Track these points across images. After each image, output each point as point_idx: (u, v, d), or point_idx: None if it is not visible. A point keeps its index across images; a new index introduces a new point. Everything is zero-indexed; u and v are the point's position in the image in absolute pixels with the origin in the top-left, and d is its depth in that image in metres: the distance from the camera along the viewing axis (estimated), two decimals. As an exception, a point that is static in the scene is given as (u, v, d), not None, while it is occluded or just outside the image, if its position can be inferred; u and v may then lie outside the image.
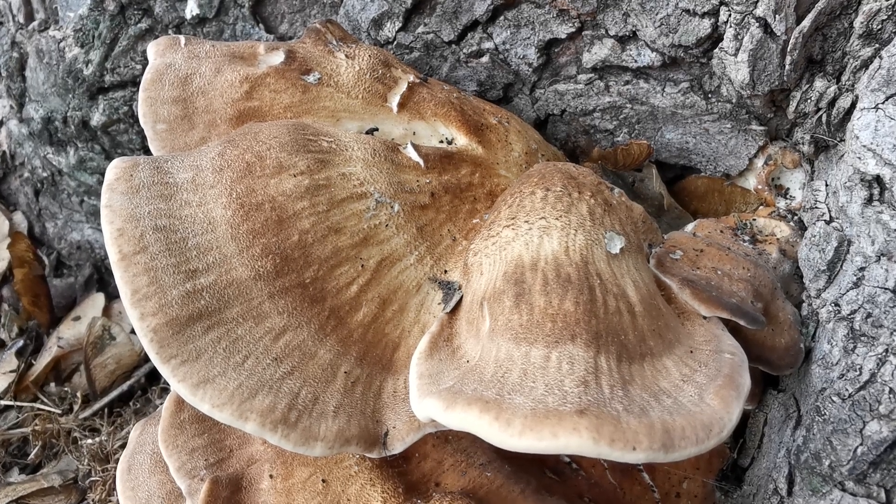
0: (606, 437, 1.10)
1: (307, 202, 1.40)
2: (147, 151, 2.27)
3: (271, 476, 1.49)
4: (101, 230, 2.67)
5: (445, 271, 1.50)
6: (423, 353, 1.37)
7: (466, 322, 1.40)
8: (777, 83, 1.55)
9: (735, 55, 1.54)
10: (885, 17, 1.42)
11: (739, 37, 1.52)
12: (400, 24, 1.89)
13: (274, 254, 1.36)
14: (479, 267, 1.43)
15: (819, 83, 1.52)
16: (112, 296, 2.77)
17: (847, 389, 1.37)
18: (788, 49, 1.49)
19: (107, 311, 2.68)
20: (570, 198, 1.43)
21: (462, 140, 1.68)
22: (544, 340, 1.24)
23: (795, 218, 1.71)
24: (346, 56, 1.66)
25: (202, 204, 1.38)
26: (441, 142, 1.69)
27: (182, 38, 1.65)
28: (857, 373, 1.37)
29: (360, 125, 1.63)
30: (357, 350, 1.40)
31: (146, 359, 2.63)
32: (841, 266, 1.47)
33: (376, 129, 1.64)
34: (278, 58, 1.62)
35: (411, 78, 1.69)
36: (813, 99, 1.54)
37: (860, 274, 1.41)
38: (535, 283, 1.31)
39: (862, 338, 1.38)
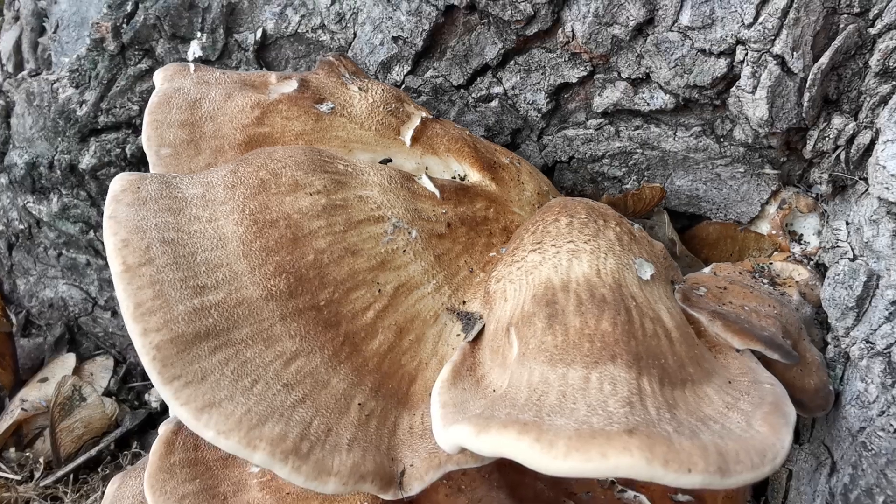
0: (660, 457, 1.01)
1: (324, 221, 1.33)
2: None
3: (270, 525, 1.35)
4: (77, 286, 2.55)
5: (464, 302, 1.42)
6: (446, 382, 1.28)
7: (490, 351, 1.32)
8: (795, 121, 1.55)
9: (753, 93, 1.54)
10: (902, 54, 1.44)
11: (757, 74, 1.53)
12: (409, 68, 1.87)
13: (288, 273, 1.28)
14: (502, 294, 1.36)
15: (837, 120, 1.53)
16: (83, 357, 2.61)
17: (892, 424, 1.31)
18: (807, 86, 1.50)
19: (77, 373, 2.52)
20: (596, 224, 1.39)
21: (475, 176, 1.63)
22: (583, 361, 1.16)
23: (812, 263, 1.68)
24: (360, 88, 1.62)
25: (213, 220, 1.30)
26: (453, 177, 1.65)
27: (192, 64, 1.60)
28: (902, 407, 1.30)
29: (372, 156, 1.58)
30: (372, 381, 1.30)
31: (117, 423, 2.45)
32: (870, 301, 1.43)
33: (390, 161, 1.59)
34: (291, 86, 1.58)
35: (424, 114, 1.66)
36: (831, 137, 1.54)
37: (893, 307, 1.37)
38: (568, 303, 1.24)
39: (902, 371, 1.33)
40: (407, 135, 1.62)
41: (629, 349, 1.18)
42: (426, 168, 1.61)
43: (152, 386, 2.60)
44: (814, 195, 1.73)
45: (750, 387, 1.27)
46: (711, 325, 1.39)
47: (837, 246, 1.55)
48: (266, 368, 1.22)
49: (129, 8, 1.98)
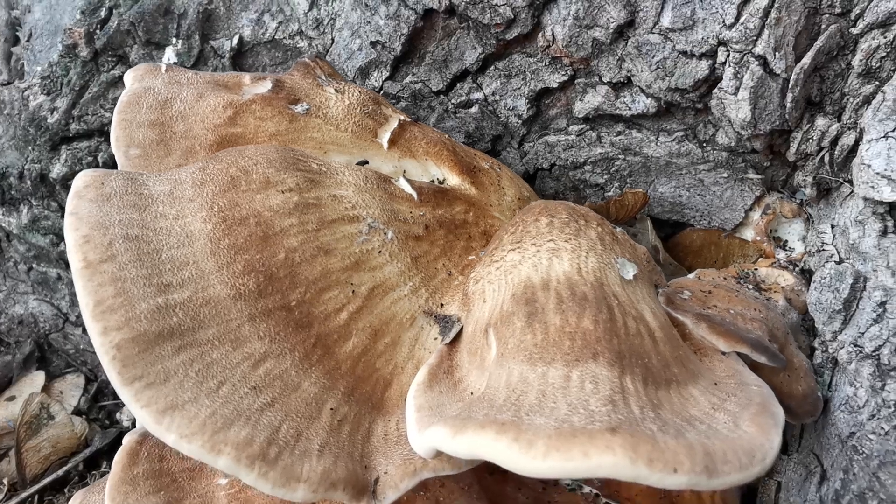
0: (644, 456, 0.96)
1: (295, 219, 1.29)
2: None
3: (238, 539, 1.28)
4: (48, 301, 2.48)
5: (442, 305, 1.38)
6: (422, 385, 1.22)
7: (468, 353, 1.27)
8: (778, 122, 1.53)
9: (735, 94, 1.52)
10: (884, 54, 1.42)
11: (739, 75, 1.51)
12: (387, 73, 1.84)
13: (257, 272, 1.23)
14: (481, 294, 1.31)
15: (821, 122, 1.50)
16: (53, 374, 2.54)
17: (882, 427, 1.26)
18: (790, 86, 1.48)
19: (47, 391, 2.44)
20: (577, 224, 1.35)
21: (454, 180, 1.60)
22: (563, 359, 1.12)
23: (797, 269, 1.65)
24: (336, 90, 1.59)
25: (179, 217, 1.25)
26: (432, 181, 1.61)
27: (163, 64, 1.57)
28: (892, 409, 1.26)
29: (348, 159, 1.54)
30: (345, 385, 1.25)
31: (87, 443, 2.37)
32: (858, 304, 1.39)
33: (366, 163, 1.55)
34: (265, 87, 1.54)
35: (402, 117, 1.63)
36: (815, 138, 1.52)
37: (881, 309, 1.34)
38: (548, 302, 1.19)
39: (892, 373, 1.29)
40: (384, 137, 1.59)
41: (611, 347, 1.13)
42: (404, 172, 1.57)
43: (125, 405, 2.52)
44: (798, 200, 1.71)
45: (737, 388, 1.22)
46: (696, 328, 1.35)
47: (823, 249, 1.53)
48: (233, 370, 1.16)
49: (102, 14, 1.95)
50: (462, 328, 1.32)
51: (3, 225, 2.27)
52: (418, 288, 1.37)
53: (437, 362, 1.27)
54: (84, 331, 2.44)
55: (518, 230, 1.37)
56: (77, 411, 2.44)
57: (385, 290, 1.33)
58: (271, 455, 1.11)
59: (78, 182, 1.24)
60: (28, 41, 2.26)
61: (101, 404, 2.51)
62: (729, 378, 1.27)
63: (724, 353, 1.33)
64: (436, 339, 1.34)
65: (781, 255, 1.71)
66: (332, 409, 1.21)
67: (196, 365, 1.14)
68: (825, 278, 1.47)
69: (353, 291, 1.29)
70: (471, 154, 1.67)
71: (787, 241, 1.72)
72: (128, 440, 1.40)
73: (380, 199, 1.41)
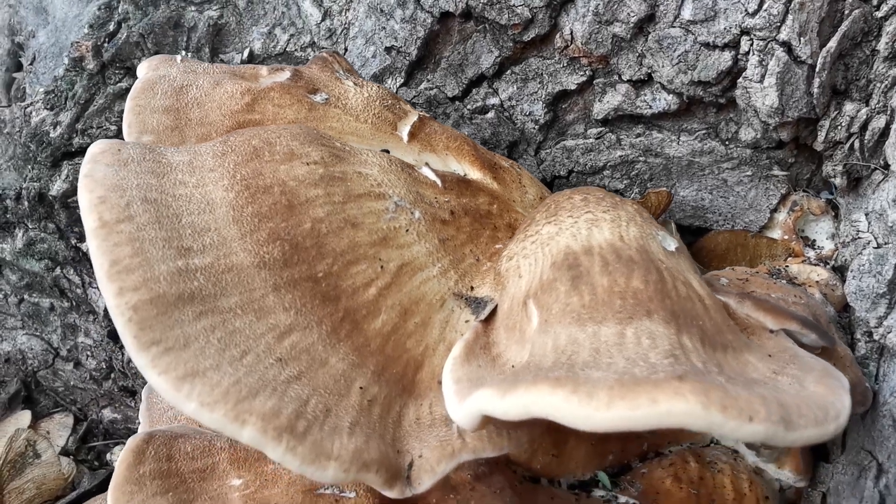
0: (717, 402, 0.88)
1: (321, 191, 1.23)
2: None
3: (255, 539, 1.17)
4: (38, 335, 2.37)
5: (472, 288, 1.30)
6: (458, 359, 1.14)
7: (506, 329, 1.19)
8: (805, 109, 1.51)
9: (761, 81, 1.50)
10: (911, 35, 1.42)
11: (764, 63, 1.49)
12: (402, 80, 1.82)
13: (282, 240, 1.16)
14: (515, 270, 1.25)
15: (849, 107, 1.48)
16: (40, 415, 2.40)
17: (947, 402, 1.19)
18: (817, 71, 1.46)
19: (33, 430, 2.29)
20: (613, 199, 1.30)
21: (476, 174, 1.55)
22: (615, 318, 1.04)
23: (829, 266, 1.60)
24: (355, 83, 1.56)
25: (200, 185, 1.19)
26: (453, 175, 1.56)
27: (178, 56, 1.53)
28: (955, 383, 1.19)
29: (368, 149, 1.49)
30: (374, 363, 1.16)
31: (73, 486, 2.22)
32: (904, 285, 1.34)
33: (387, 152, 1.50)
34: (283, 76, 1.51)
35: (421, 112, 1.59)
36: (844, 125, 1.50)
37: (930, 286, 1.28)
38: (592, 265, 1.13)
39: (951, 346, 1.22)
40: (404, 131, 1.54)
41: (665, 306, 1.06)
42: (426, 164, 1.52)
43: (114, 444, 2.38)
44: (824, 199, 1.67)
45: (792, 360, 1.15)
46: (741, 307, 1.28)
47: (858, 238, 1.48)
48: (257, 341, 1.08)
49: (111, 28, 1.93)
50: (496, 307, 1.25)
51: (-4, 252, 2.18)
52: (447, 270, 1.30)
53: (473, 338, 1.19)
54: (75, 365, 2.32)
55: (552, 207, 1.31)
56: (65, 452, 2.29)
57: (413, 269, 1.26)
58: (299, 429, 1.02)
59: (93, 149, 1.18)
60: (31, 64, 2.22)
61: (90, 445, 2.37)
62: (782, 352, 1.19)
63: (771, 332, 1.27)
64: (467, 321, 1.26)
65: (811, 253, 1.66)
66: (361, 387, 1.12)
67: (218, 332, 1.06)
68: (864, 265, 1.42)
69: (382, 267, 1.22)
70: (490, 153, 1.63)
71: (815, 240, 1.68)
72: (133, 440, 1.29)
73: (405, 181, 1.36)
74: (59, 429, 2.35)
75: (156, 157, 1.20)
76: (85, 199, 1.09)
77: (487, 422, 1.04)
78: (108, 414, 2.36)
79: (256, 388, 1.02)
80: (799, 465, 1.55)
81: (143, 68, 1.50)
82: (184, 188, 1.18)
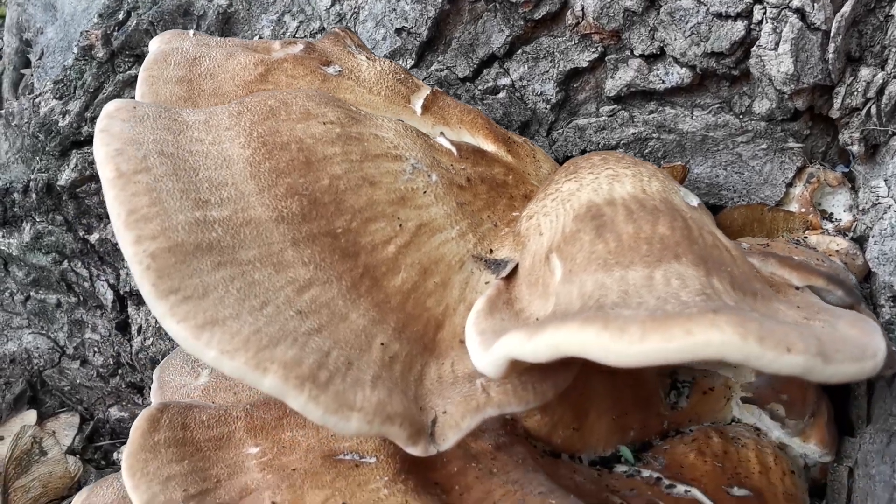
0: (754, 333, 0.86)
1: (339, 149, 1.21)
2: (117, 218, 2.04)
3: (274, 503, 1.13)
4: (44, 334, 2.34)
5: (491, 251, 1.28)
6: (481, 312, 1.12)
7: (528, 285, 1.17)
8: (821, 76, 1.50)
9: (775, 48, 1.50)
10: (925, -2, 1.41)
11: (778, 30, 1.49)
12: (413, 61, 1.82)
13: (300, 195, 1.14)
14: (536, 228, 1.23)
15: (865, 72, 1.48)
16: (45, 415, 2.36)
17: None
18: (831, 36, 1.46)
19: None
20: (632, 158, 1.29)
21: (490, 147, 1.54)
22: (643, 262, 1.02)
23: (848, 237, 1.59)
24: (367, 58, 1.55)
25: (216, 143, 1.18)
26: (468, 148, 1.55)
27: (191, 31, 1.52)
28: None
29: (383, 116, 1.48)
30: (395, 320, 1.14)
31: (80, 485, 2.17)
32: (928, 245, 1.32)
33: (401, 122, 1.49)
34: (296, 48, 1.50)
35: (434, 87, 1.59)
36: (860, 90, 1.49)
37: (956, 242, 1.26)
38: (616, 214, 1.11)
39: (981, 299, 1.20)
40: (417, 104, 1.54)
41: (693, 251, 1.04)
42: (440, 133, 1.51)
43: (121, 443, 2.34)
44: (840, 171, 1.66)
45: (821, 311, 1.13)
46: (765, 265, 1.26)
47: (878, 203, 1.47)
48: (277, 293, 1.06)
49: (121, 17, 1.93)
50: (517, 265, 1.23)
51: (2, 247, 2.16)
52: (465, 233, 1.28)
53: (496, 293, 1.17)
54: (82, 363, 2.29)
55: (570, 168, 1.30)
56: (71, 451, 2.25)
57: (432, 230, 1.24)
58: (321, 378, 0.99)
59: (109, 107, 1.16)
60: (40, 59, 2.23)
61: (96, 444, 2.32)
62: (809, 306, 1.17)
63: (797, 289, 1.25)
64: (487, 283, 1.24)
65: (829, 226, 1.64)
66: (382, 344, 1.10)
67: (237, 283, 1.04)
68: (886, 228, 1.41)
69: (401, 226, 1.21)
70: (503, 129, 1.62)
71: (832, 213, 1.66)
72: (146, 410, 1.26)
73: (421, 146, 1.35)
74: (65, 428, 2.31)
75: (171, 116, 1.19)
76: (101, 152, 1.08)
77: (514, 368, 1.02)
78: (115, 413, 2.33)
79: (277, 337, 1.00)
80: (825, 437, 1.52)
81: (156, 42, 1.49)
82: (200, 145, 1.16)
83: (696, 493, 1.40)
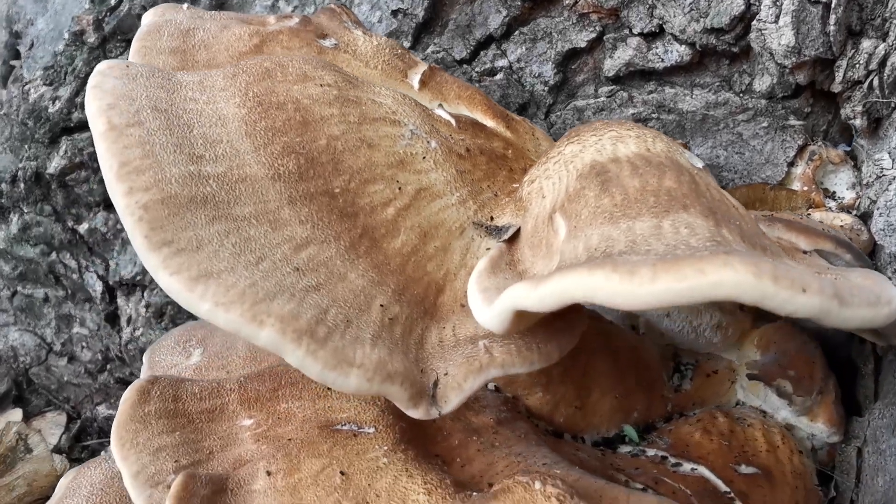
0: (768, 273, 0.83)
1: (336, 110, 1.19)
2: (107, 207, 2.01)
3: (269, 473, 1.09)
4: (31, 330, 2.29)
5: (492, 218, 1.25)
6: (484, 272, 1.09)
7: (531, 247, 1.14)
8: (822, 49, 1.49)
9: (776, 21, 1.49)
10: (926, -31, 1.41)
11: (778, 3, 1.48)
12: (409, 44, 1.80)
13: (297, 153, 1.11)
14: (539, 192, 1.20)
15: (867, 44, 1.47)
16: (31, 414, 2.30)
17: None
18: (832, 7, 1.45)
19: (24, 428, 2.20)
20: (634, 124, 1.26)
21: (489, 123, 1.51)
22: (650, 212, 1.00)
23: (853, 213, 1.56)
24: (364, 33, 1.53)
25: (211, 102, 1.15)
26: (466, 124, 1.52)
27: (185, 4, 1.50)
28: None
29: (381, 84, 1.46)
30: (395, 282, 1.10)
31: (66, 483, 2.11)
32: (935, 213, 1.30)
33: (398, 92, 1.47)
34: (292, 21, 1.48)
35: (431, 64, 1.57)
36: (861, 63, 1.48)
37: (964, 207, 1.24)
38: (621, 170, 1.08)
39: None
40: (414, 79, 1.51)
41: (701, 203, 1.02)
42: (439, 105, 1.49)
43: (109, 443, 2.27)
44: (842, 150, 1.64)
45: (831, 269, 1.10)
46: (771, 230, 1.24)
47: (883, 175, 1.45)
48: (273, 250, 1.02)
49: (112, 2, 1.90)
50: (519, 229, 1.20)
51: (-10, 240, 2.12)
52: (466, 200, 1.25)
53: (498, 255, 1.14)
54: (69, 360, 2.24)
55: (572, 133, 1.27)
56: (57, 450, 2.19)
57: (432, 195, 1.21)
58: (320, 334, 0.96)
59: (101, 66, 1.13)
60: (30, 50, 2.20)
61: (83, 443, 2.26)
62: (819, 267, 1.15)
63: (805, 252, 1.22)
64: (488, 249, 1.21)
65: (832, 204, 1.62)
66: (382, 305, 1.06)
67: (232, 237, 1.00)
68: (892, 199, 1.39)
69: (400, 189, 1.18)
70: (501, 107, 1.60)
71: (835, 191, 1.64)
72: (136, 382, 1.22)
73: (419, 114, 1.32)
74: (52, 427, 2.25)
75: (165, 76, 1.16)
76: (93, 107, 1.05)
77: (519, 323, 0.99)
78: (102, 411, 2.27)
79: (274, 291, 0.96)
80: (833, 416, 1.49)
81: (150, 15, 1.46)
82: (194, 104, 1.13)
83: (704, 471, 1.37)
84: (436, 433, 1.24)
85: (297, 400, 1.21)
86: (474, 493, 1.07)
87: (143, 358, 1.54)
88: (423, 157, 1.24)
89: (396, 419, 1.19)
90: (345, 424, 1.17)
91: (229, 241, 0.99)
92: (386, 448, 1.13)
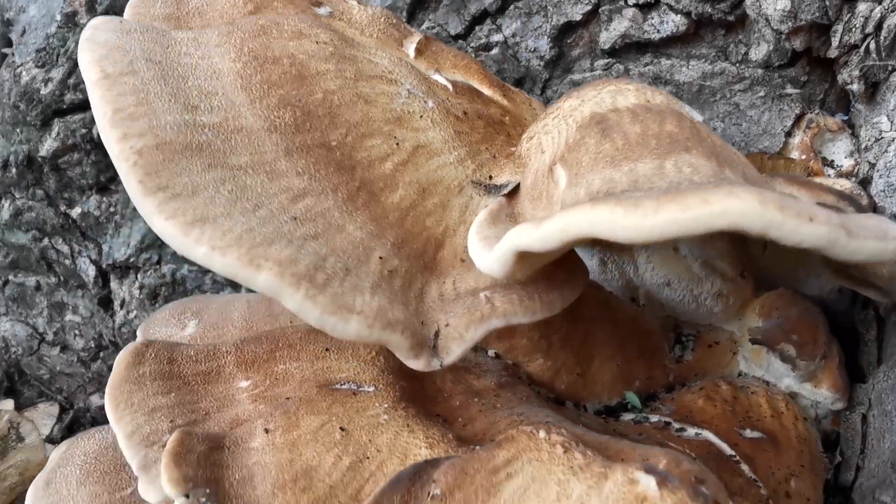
0: (774, 202, 0.82)
1: (332, 66, 1.17)
2: (100, 190, 1.99)
3: (267, 430, 1.07)
4: (22, 320, 2.26)
5: (490, 177, 1.24)
6: (484, 222, 1.08)
7: (531, 200, 1.13)
8: (818, 13, 1.49)
9: (772, -14, 1.48)
10: (920, -69, 1.41)
11: (774, -33, 1.48)
12: (404, 19, 1.79)
13: (294, 106, 1.10)
14: (538, 147, 1.19)
15: (862, 6, 1.46)
16: (23, 406, 2.26)
17: None
18: (828, -30, 1.45)
19: (15, 418, 2.16)
20: (633, 80, 1.25)
21: (486, 91, 1.50)
22: (652, 154, 0.98)
23: (852, 179, 1.56)
24: (358, 2, 1.52)
25: (205, 57, 1.13)
26: (462, 93, 1.51)
27: (178, -26, 1.49)
28: None
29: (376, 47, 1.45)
30: (394, 236, 1.09)
31: (59, 473, 2.07)
32: (935, 170, 1.29)
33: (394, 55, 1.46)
34: (286, -10, 1.47)
35: (426, 34, 1.56)
36: (858, 26, 1.47)
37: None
38: (621, 118, 1.07)
39: None
40: (410, 48, 1.50)
41: (703, 146, 1.01)
42: (435, 70, 1.47)
43: (103, 433, 2.24)
44: (839, 119, 1.64)
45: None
46: (772, 184, 1.23)
47: (881, 138, 1.44)
48: (270, 199, 1.01)
49: (105, -17, 1.89)
50: (518, 184, 1.18)
51: (-19, 228, 2.09)
52: (464, 159, 1.24)
53: (498, 207, 1.12)
54: (62, 349, 2.21)
55: (571, 91, 1.26)
56: (50, 441, 2.15)
57: (430, 153, 1.20)
58: (319, 280, 0.94)
59: (93, 21, 1.12)
60: (22, 36, 2.18)
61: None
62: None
63: (807, 207, 1.21)
64: (487, 206, 1.20)
65: (831, 172, 1.61)
66: (381, 258, 1.05)
67: (228, 185, 0.99)
68: (891, 160, 1.38)
69: (397, 145, 1.16)
70: (497, 77, 1.59)
71: (833, 160, 1.63)
72: (131, 344, 1.20)
73: (416, 76, 1.31)
74: (44, 418, 2.21)
75: (158, 31, 1.15)
76: (86, 58, 1.03)
77: (522, 264, 0.97)
78: (96, 400, 2.23)
79: (271, 237, 0.95)
80: (837, 381, 1.47)
81: (142, -16, 1.45)
82: (189, 58, 1.12)
83: (708, 435, 1.35)
84: (436, 394, 1.22)
85: (295, 361, 1.19)
86: (478, 447, 1.05)
87: (137, 332, 1.52)
88: (421, 116, 1.23)
89: (397, 378, 1.17)
90: (344, 384, 1.15)
91: (225, 189, 0.98)
92: (386, 406, 1.11)
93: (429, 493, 0.91)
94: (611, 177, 0.97)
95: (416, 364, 1.00)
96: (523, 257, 0.94)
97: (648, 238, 0.83)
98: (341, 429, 1.06)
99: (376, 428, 1.07)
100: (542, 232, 0.89)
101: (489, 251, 0.97)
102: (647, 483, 0.87)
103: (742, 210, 0.81)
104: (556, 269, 1.09)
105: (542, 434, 0.97)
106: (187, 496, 0.97)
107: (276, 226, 0.97)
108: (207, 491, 0.99)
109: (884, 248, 0.88)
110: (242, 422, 1.11)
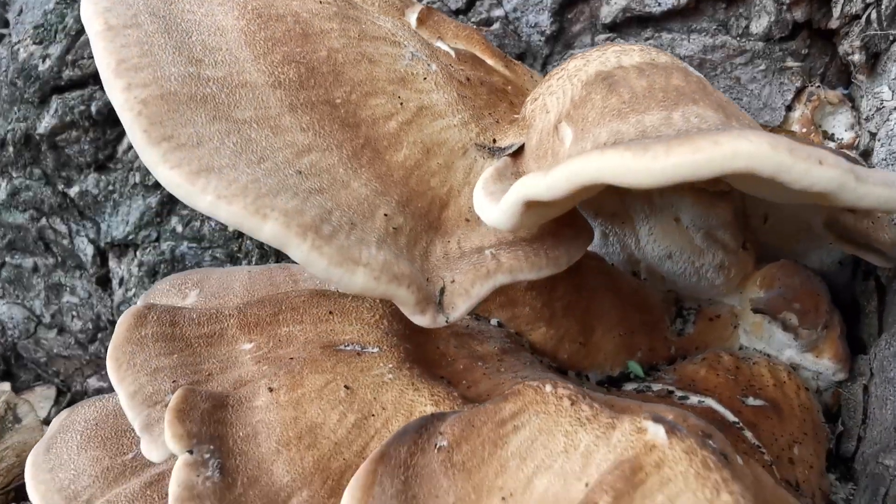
0: (784, 146, 0.82)
1: (336, 25, 1.17)
2: (98, 168, 1.98)
3: (271, 389, 1.06)
4: (19, 303, 2.24)
5: (494, 140, 1.24)
6: (489, 179, 1.07)
7: (536, 159, 1.13)
8: (819, -18, 1.49)
9: (773, -44, 1.48)
10: None
11: (775, -63, 1.48)
12: (404, -5, 1.79)
13: (298, 63, 1.09)
14: (542, 108, 1.18)
15: (864, -24, 1.47)
16: (20, 389, 2.25)
17: None
18: (829, -61, 1.45)
19: (12, 400, 2.15)
20: (638, 44, 1.25)
21: (488, 61, 1.50)
22: (659, 106, 0.98)
23: (853, 152, 1.56)
24: (360, -27, 1.52)
25: (209, 14, 1.12)
26: (464, 63, 1.51)
27: (178, -57, 1.48)
28: None
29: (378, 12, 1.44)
30: (398, 194, 1.08)
31: (56, 455, 2.06)
32: (938, 135, 1.30)
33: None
34: (287, -42, 1.46)
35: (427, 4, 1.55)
36: (859, -4, 1.48)
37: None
38: (627, 74, 1.07)
39: None
40: (411, 17, 1.49)
41: (710, 99, 1.00)
42: (438, 37, 1.47)
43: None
44: (839, 93, 1.64)
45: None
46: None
47: (883, 107, 1.44)
48: (275, 152, 1.00)
49: (104, -40, 1.88)
50: (524, 145, 1.18)
51: (-23, 208, 2.08)
52: (468, 122, 1.23)
53: (503, 165, 1.12)
54: (59, 332, 2.20)
55: (575, 54, 1.26)
56: (47, 423, 2.14)
57: (434, 114, 1.19)
58: (325, 231, 0.94)
59: (96, -17, 1.11)
60: (18, 16, 2.17)
61: (73, 417, 2.21)
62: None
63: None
64: (492, 166, 1.19)
65: (831, 145, 1.61)
66: (385, 215, 1.04)
67: (233, 137, 0.98)
68: (893, 129, 1.38)
69: (401, 104, 1.16)
70: (499, 49, 1.59)
71: (833, 133, 1.64)
72: (132, 307, 1.19)
73: (419, 40, 1.31)
74: (41, 400, 2.20)
75: (161, -11, 1.14)
76: (89, 10, 1.02)
77: (529, 215, 0.96)
78: (93, 383, 2.22)
79: (277, 188, 0.94)
80: (838, 351, 1.47)
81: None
82: (192, 15, 1.11)
83: (711, 402, 1.34)
84: (440, 358, 1.21)
85: (299, 324, 1.18)
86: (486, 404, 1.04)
87: (138, 302, 1.51)
88: (424, 78, 1.22)
89: (401, 341, 1.16)
90: (348, 345, 1.14)
91: (230, 141, 0.97)
92: (391, 366, 1.11)
93: (435, 445, 0.90)
94: (618, 129, 0.97)
95: (422, 319, 0.99)
96: (530, 207, 0.94)
97: (658, 181, 0.83)
98: (346, 387, 1.05)
99: (381, 386, 1.06)
100: (551, 179, 0.88)
101: (496, 203, 0.97)
102: (656, 431, 0.86)
103: (752, 152, 0.81)
104: (562, 226, 1.08)
105: (548, 388, 0.96)
106: (191, 452, 0.97)
107: (281, 178, 0.97)
108: (211, 447, 0.98)
109: (891, 194, 0.88)
110: (246, 382, 1.10)
